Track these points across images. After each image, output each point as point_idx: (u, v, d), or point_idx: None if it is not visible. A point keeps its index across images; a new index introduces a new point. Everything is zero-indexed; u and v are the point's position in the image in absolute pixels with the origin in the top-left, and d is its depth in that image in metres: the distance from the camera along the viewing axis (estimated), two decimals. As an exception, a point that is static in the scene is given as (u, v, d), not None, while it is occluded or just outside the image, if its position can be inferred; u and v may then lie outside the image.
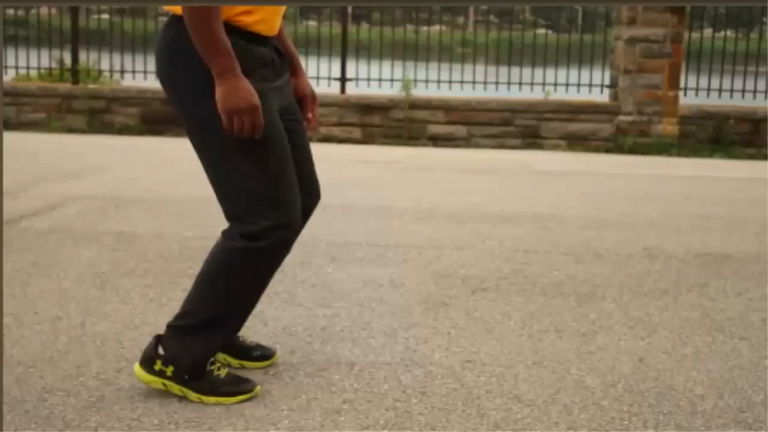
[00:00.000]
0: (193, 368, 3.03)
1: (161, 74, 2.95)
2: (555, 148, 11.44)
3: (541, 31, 12.60)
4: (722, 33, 12.20)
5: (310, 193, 3.21)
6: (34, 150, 9.46)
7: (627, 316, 4.18)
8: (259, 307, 4.08)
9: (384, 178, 8.12)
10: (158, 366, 3.03)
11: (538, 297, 4.46)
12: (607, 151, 11.38)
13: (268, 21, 2.92)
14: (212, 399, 3.03)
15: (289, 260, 4.85)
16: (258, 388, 3.13)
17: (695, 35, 11.98)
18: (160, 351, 3.04)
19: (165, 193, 6.84)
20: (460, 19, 14.47)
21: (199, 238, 5.40)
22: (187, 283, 4.42)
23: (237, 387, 3.09)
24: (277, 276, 4.57)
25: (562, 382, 3.36)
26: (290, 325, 3.90)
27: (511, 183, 8.24)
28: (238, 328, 3.18)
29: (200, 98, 2.82)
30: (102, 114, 11.66)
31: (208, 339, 3.04)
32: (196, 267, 4.72)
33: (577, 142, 11.49)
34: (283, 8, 2.99)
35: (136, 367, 3.09)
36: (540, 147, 11.43)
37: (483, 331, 3.92)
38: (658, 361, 3.61)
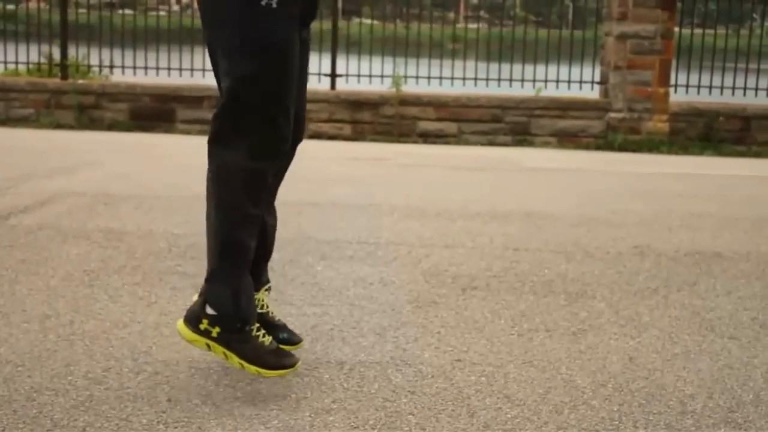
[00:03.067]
0: (236, 315, 3.00)
1: None
2: (545, 145, 11.44)
3: (532, 27, 12.58)
4: (713, 30, 12.21)
5: (297, 130, 3.20)
6: (22, 146, 9.44)
7: (617, 315, 4.18)
8: (249, 305, 4.07)
9: (374, 175, 8.11)
10: (204, 325, 3.02)
11: (528, 296, 4.45)
12: (598, 148, 11.39)
13: None
14: (253, 368, 3.02)
15: (278, 258, 4.86)
16: (299, 363, 3.12)
17: (686, 31, 11.99)
18: (208, 311, 3.02)
19: (154, 189, 6.82)
20: (451, 15, 14.46)
21: (189, 235, 5.38)
22: (177, 281, 4.43)
23: (279, 359, 3.07)
24: (267, 274, 4.57)
25: (552, 381, 3.35)
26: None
27: (501, 180, 8.24)
28: (241, 252, 3.09)
29: (230, 4, 2.87)
30: (91, 110, 11.63)
31: (233, 273, 3.02)
32: (185, 265, 4.73)
33: (567, 139, 11.50)
34: None
35: (180, 325, 3.07)
36: (530, 144, 11.44)
37: (473, 330, 3.91)
38: (648, 361, 3.61)
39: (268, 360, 3.05)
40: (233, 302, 3.01)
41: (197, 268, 4.68)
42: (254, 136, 2.94)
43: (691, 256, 5.36)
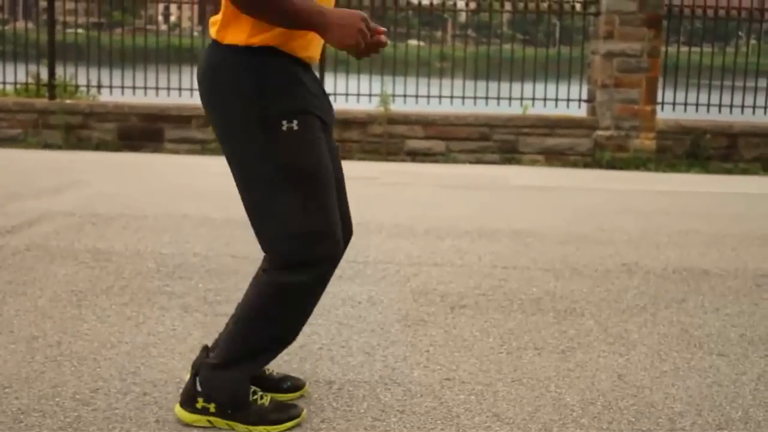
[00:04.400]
0: (235, 401, 3.00)
1: (207, 99, 2.91)
2: (533, 163, 11.46)
3: (519, 45, 12.63)
4: (699, 47, 12.27)
5: (345, 228, 3.18)
6: (9, 166, 9.41)
7: (606, 333, 4.19)
8: (237, 325, 4.06)
9: (362, 194, 8.11)
10: (200, 404, 3.01)
11: (516, 314, 4.45)
12: (585, 165, 11.41)
13: (314, 47, 2.92)
14: (261, 429, 3.00)
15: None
16: (304, 412, 3.10)
17: (672, 50, 12.04)
18: (199, 388, 3.01)
19: (142, 209, 6.81)
20: (438, 34, 14.51)
21: (177, 255, 5.38)
22: (165, 301, 4.42)
23: (284, 413, 3.06)
24: (255, 293, 4.56)
25: (542, 399, 3.36)
26: (268, 343, 3.87)
27: (489, 198, 8.25)
28: (276, 355, 3.12)
29: (248, 129, 2.82)
30: (79, 129, 11.61)
31: (247, 371, 3.03)
32: (173, 284, 4.72)
33: (555, 157, 11.52)
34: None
35: (177, 409, 3.05)
36: (518, 162, 11.46)
37: (462, 348, 3.91)
38: (636, 378, 3.61)
39: (273, 417, 3.03)
40: (232, 401, 3.01)
41: (185, 288, 4.67)
42: (314, 261, 2.91)
43: (679, 274, 5.37)
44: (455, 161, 11.43)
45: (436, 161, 11.42)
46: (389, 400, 3.29)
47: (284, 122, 2.79)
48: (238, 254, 5.44)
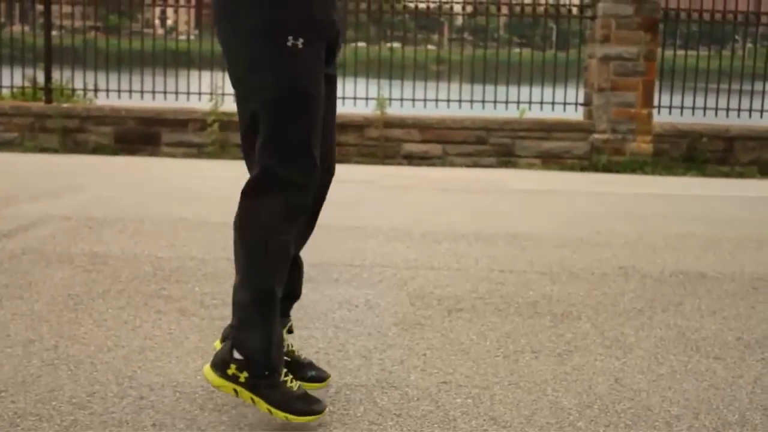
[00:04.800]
0: (265, 363, 2.98)
1: (216, 7, 2.95)
2: (530, 166, 11.46)
3: (516, 49, 12.64)
4: (695, 51, 12.28)
5: (328, 166, 3.21)
6: (6, 170, 9.41)
7: (602, 336, 4.19)
8: (234, 328, 4.06)
9: (359, 198, 8.11)
10: (232, 370, 2.99)
11: (513, 317, 4.45)
12: (582, 169, 11.41)
13: None
14: (281, 414, 2.98)
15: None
16: (326, 410, 3.09)
17: (668, 53, 12.05)
18: (236, 355, 2.99)
19: (139, 213, 6.80)
20: (435, 37, 14.49)
21: (174, 258, 5.38)
22: (162, 305, 4.42)
23: (307, 405, 3.03)
24: (252, 297, 4.56)
25: (538, 403, 3.35)
26: (265, 346, 3.87)
27: (486, 202, 8.25)
28: (271, 301, 3.04)
29: (252, 40, 2.87)
30: (75, 133, 11.60)
31: (265, 316, 2.99)
32: (170, 288, 4.72)
33: (551, 161, 11.53)
34: None
35: (207, 370, 3.04)
36: (515, 165, 11.46)
37: (459, 351, 3.91)
38: (633, 381, 3.61)
39: (296, 406, 3.01)
40: (263, 350, 2.99)
41: (182, 292, 4.67)
42: (285, 179, 2.92)
43: (676, 277, 5.37)
44: (452, 165, 11.44)
45: (433, 165, 11.42)
46: (386, 403, 3.29)
47: (290, 38, 2.82)
48: (235, 258, 5.43)
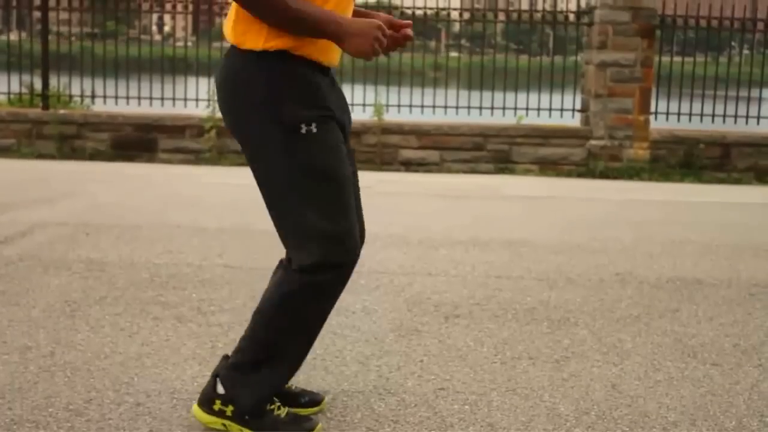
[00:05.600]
0: (253, 407, 3.00)
1: (226, 105, 2.93)
2: (527, 172, 11.47)
3: (513, 55, 12.64)
4: (692, 57, 12.29)
5: (360, 232, 3.19)
6: (2, 176, 9.40)
7: (599, 342, 4.19)
8: (231, 335, 4.07)
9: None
10: (218, 406, 3.00)
11: (510, 323, 4.45)
12: (579, 175, 11.42)
13: (333, 51, 2.92)
14: None
15: (261, 287, 4.84)
16: (320, 425, 3.10)
17: (665, 59, 12.07)
18: (219, 390, 3.01)
19: (136, 219, 6.80)
20: (432, 44, 14.50)
21: (171, 265, 5.37)
22: (159, 311, 4.41)
23: (298, 426, 3.06)
24: (249, 303, 4.57)
25: (536, 409, 3.35)
26: (262, 353, 3.86)
27: (483, 208, 8.25)
28: (297, 366, 3.11)
29: (267, 134, 2.84)
30: (72, 139, 11.60)
31: (268, 376, 3.01)
32: (167, 295, 4.71)
33: (548, 167, 11.53)
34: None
35: (195, 409, 3.06)
36: (512, 172, 11.47)
37: (456, 358, 3.91)
38: (630, 388, 3.61)
39: (288, 429, 3.03)
40: (254, 408, 3.01)
41: (179, 298, 4.67)
42: (335, 263, 2.91)
43: (673, 283, 5.38)
44: (449, 171, 11.44)
45: (430, 171, 11.43)
46: (383, 410, 3.29)
47: (303, 125, 2.81)
48: (232, 264, 5.44)
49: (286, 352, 3.02)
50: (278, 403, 3.08)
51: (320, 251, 2.86)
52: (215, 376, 3.05)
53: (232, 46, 2.89)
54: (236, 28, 2.84)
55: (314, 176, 2.85)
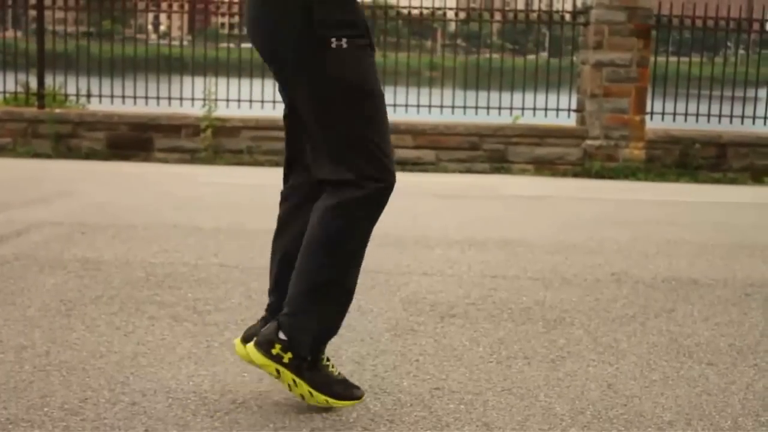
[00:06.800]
0: (312, 351, 3.02)
1: (260, 24, 2.99)
2: (523, 172, 11.48)
3: (509, 55, 12.65)
4: (688, 57, 12.31)
5: None
6: (-1, 175, 9.39)
7: (595, 342, 4.19)
8: (227, 334, 4.06)
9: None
10: (276, 350, 3.02)
11: (506, 323, 4.45)
12: (575, 175, 11.43)
13: None
14: (321, 397, 3.05)
15: (257, 287, 4.85)
16: (364, 396, 3.16)
17: (661, 59, 12.08)
18: (281, 336, 3.02)
19: (132, 219, 6.79)
20: (428, 43, 14.52)
21: (166, 264, 5.37)
22: (154, 311, 4.41)
23: (347, 390, 3.11)
24: (244, 303, 4.57)
25: (531, 409, 3.35)
26: (258, 352, 3.86)
27: (479, 208, 8.25)
28: (348, 303, 3.13)
29: (299, 48, 2.90)
30: (68, 139, 11.59)
31: (323, 310, 3.04)
32: (163, 294, 4.71)
33: (544, 167, 11.54)
34: None
35: (250, 348, 3.06)
36: (508, 171, 11.47)
37: (451, 357, 3.91)
38: (626, 387, 3.61)
39: (338, 390, 3.08)
40: (312, 345, 3.04)
41: (175, 298, 4.67)
42: (378, 177, 2.98)
43: (669, 283, 5.38)
44: (445, 170, 11.44)
45: (426, 171, 11.42)
46: (378, 409, 3.29)
47: (333, 40, 2.86)
48: (228, 263, 5.43)
49: (335, 281, 3.05)
50: (333, 363, 3.13)
51: (365, 163, 2.94)
52: (278, 321, 3.06)
53: None
54: None
55: (350, 91, 2.92)
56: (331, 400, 3.05)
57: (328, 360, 3.12)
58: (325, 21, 2.87)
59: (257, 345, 3.06)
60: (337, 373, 3.12)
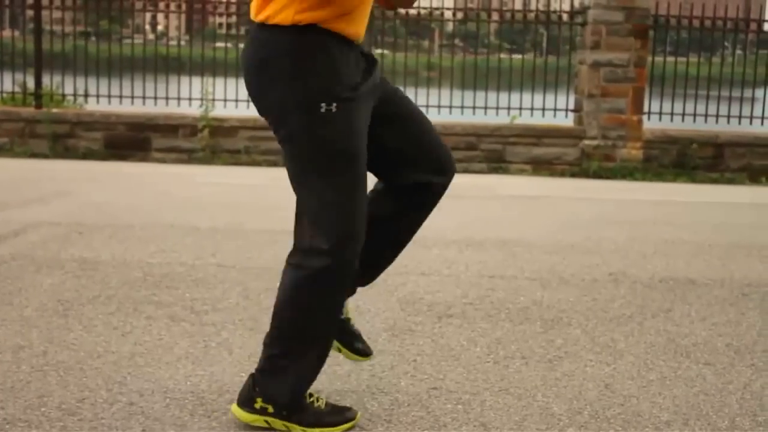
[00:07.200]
0: (291, 403, 3.03)
1: (252, 84, 2.95)
2: (520, 172, 11.47)
3: (506, 55, 12.65)
4: (685, 58, 12.31)
5: (438, 170, 3.42)
6: (-4, 175, 9.39)
7: (593, 342, 4.19)
8: (224, 334, 4.06)
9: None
10: (259, 404, 3.03)
11: (503, 323, 4.46)
12: (572, 175, 11.43)
13: (359, 23, 2.94)
14: (317, 431, 3.04)
15: (254, 287, 4.85)
16: (359, 414, 3.15)
17: (658, 59, 12.09)
18: (258, 390, 3.04)
19: (129, 219, 6.79)
20: (426, 43, 14.51)
21: (164, 264, 5.37)
22: (152, 311, 4.41)
23: (340, 416, 3.11)
24: (242, 303, 4.57)
25: (528, 409, 3.35)
26: (255, 353, 3.85)
27: (476, 208, 8.25)
28: (325, 353, 3.12)
29: (289, 110, 2.86)
30: (66, 139, 11.58)
31: (298, 369, 3.03)
32: (160, 294, 4.71)
33: (542, 167, 11.54)
34: (368, 12, 2.98)
35: (235, 408, 3.08)
36: (505, 171, 11.47)
37: (449, 357, 3.91)
38: (623, 387, 3.62)
39: (330, 420, 3.08)
40: (290, 396, 3.05)
41: (172, 298, 4.66)
42: (340, 245, 2.93)
43: (666, 283, 5.38)
44: (442, 171, 11.41)
45: (424, 171, 11.39)
46: (376, 409, 3.29)
47: (323, 105, 2.82)
48: (225, 263, 5.43)
49: (308, 346, 3.04)
50: (316, 396, 3.13)
51: (328, 232, 2.89)
52: (252, 375, 3.08)
53: (258, 24, 2.89)
54: (273, 4, 2.83)
55: (331, 156, 2.86)
56: (327, 430, 3.05)
57: (311, 396, 3.11)
58: (317, 87, 2.83)
59: (240, 404, 3.07)
60: (323, 406, 3.11)
